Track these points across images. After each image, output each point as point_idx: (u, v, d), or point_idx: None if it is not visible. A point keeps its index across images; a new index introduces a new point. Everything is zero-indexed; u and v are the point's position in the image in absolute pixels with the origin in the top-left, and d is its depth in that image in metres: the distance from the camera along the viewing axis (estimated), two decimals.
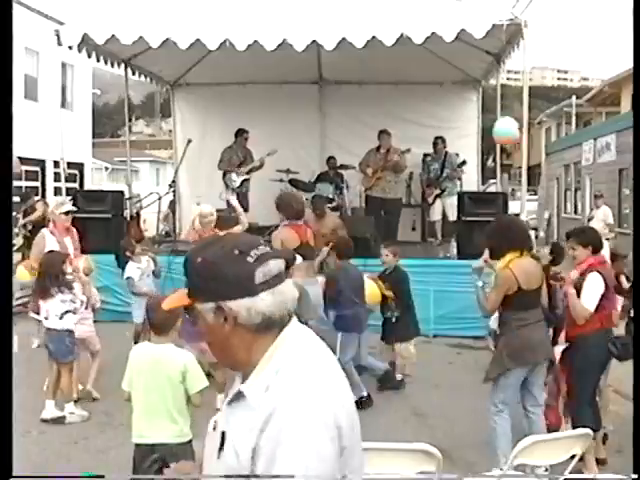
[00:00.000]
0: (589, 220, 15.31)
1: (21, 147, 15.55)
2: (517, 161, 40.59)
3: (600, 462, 4.75)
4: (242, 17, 8.32)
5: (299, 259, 5.78)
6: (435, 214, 11.02)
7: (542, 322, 4.75)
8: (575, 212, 22.98)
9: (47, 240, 6.78)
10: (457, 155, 11.30)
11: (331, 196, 11.15)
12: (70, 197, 9.76)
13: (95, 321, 6.58)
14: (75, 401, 6.04)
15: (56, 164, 16.46)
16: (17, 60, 17.26)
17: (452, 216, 10.32)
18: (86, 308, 6.26)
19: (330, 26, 8.18)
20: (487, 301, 4.74)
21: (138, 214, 10.93)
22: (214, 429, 1.64)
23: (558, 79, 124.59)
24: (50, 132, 15.13)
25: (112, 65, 10.70)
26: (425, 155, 12.20)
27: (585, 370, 4.81)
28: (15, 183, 16.26)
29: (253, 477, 1.41)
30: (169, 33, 8.30)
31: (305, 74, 12.18)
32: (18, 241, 10.18)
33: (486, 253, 4.95)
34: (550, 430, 4.75)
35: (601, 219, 14.42)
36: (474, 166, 12.26)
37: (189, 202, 11.91)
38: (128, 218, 10.43)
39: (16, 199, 11.22)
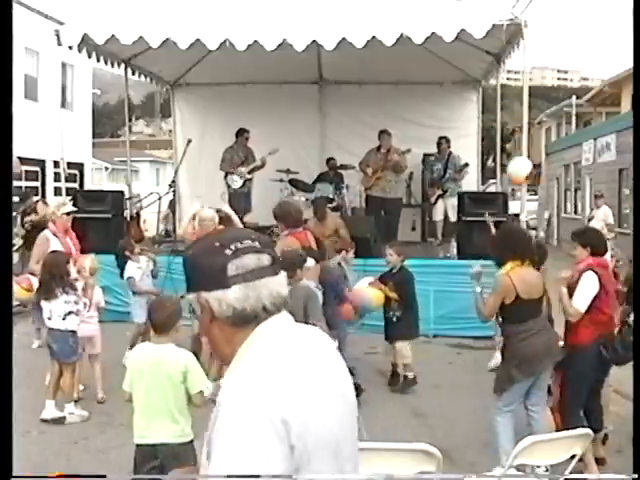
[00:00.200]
0: (589, 220, 15.31)
1: (21, 147, 15.54)
2: None
3: (600, 462, 4.75)
4: (242, 17, 8.32)
5: (310, 261, 5.80)
6: (437, 214, 11.01)
7: (546, 328, 4.75)
8: (575, 212, 22.97)
9: (51, 241, 6.78)
10: (459, 157, 11.29)
11: (331, 196, 11.15)
12: (70, 197, 9.77)
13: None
14: (76, 401, 6.04)
15: (56, 164, 16.42)
16: (17, 60, 17.25)
17: (453, 217, 10.32)
18: (89, 309, 6.25)
19: (330, 26, 8.18)
20: (485, 306, 4.75)
21: (138, 214, 10.93)
22: None
23: (558, 79, 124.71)
24: (50, 132, 15.12)
25: (112, 65, 10.69)
26: (426, 155, 12.23)
27: (577, 381, 4.80)
28: (15, 183, 16.26)
29: (253, 477, 1.40)
30: (169, 33, 8.30)
31: (305, 74, 12.18)
32: (17, 242, 10.17)
33: (476, 266, 5.03)
34: (558, 431, 4.74)
35: (601, 219, 14.42)
36: (474, 166, 12.25)
37: (189, 202, 11.90)
38: (128, 218, 10.43)
39: (15, 199, 11.21)
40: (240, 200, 10.49)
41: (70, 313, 5.80)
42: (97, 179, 32.36)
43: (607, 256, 5.42)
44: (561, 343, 4.88)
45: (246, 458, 1.39)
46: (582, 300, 4.71)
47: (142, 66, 11.43)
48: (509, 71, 23.10)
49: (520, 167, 8.75)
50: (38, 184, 21.14)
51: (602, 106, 28.57)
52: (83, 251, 7.22)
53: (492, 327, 6.60)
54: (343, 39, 8.06)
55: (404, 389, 6.66)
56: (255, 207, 10.85)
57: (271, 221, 8.90)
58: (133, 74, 11.65)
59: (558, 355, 4.76)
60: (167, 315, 3.88)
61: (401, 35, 8.00)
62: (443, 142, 11.09)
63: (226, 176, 10.76)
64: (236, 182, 10.67)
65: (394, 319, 6.64)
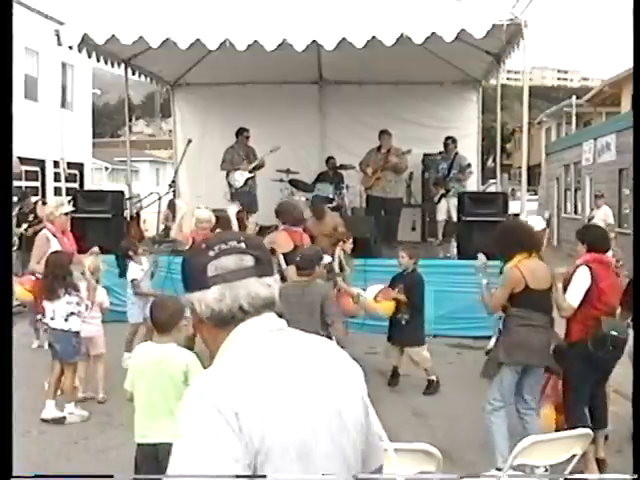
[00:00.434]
0: (589, 220, 15.31)
1: (21, 147, 15.55)
2: (517, 161, 40.63)
3: (600, 463, 4.74)
4: (242, 17, 8.32)
5: (327, 258, 5.81)
6: (440, 213, 10.99)
7: (547, 329, 4.74)
8: (575, 212, 22.97)
9: (51, 242, 6.78)
10: (465, 158, 11.28)
11: (331, 196, 11.15)
12: (70, 197, 9.77)
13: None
14: (81, 401, 6.04)
15: (56, 164, 16.46)
16: (17, 60, 17.26)
17: (455, 217, 10.32)
18: (91, 310, 6.23)
19: (330, 26, 8.18)
20: (492, 298, 4.76)
21: (138, 214, 10.93)
22: None
23: (558, 79, 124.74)
24: (50, 132, 15.12)
25: (112, 65, 10.69)
26: (426, 155, 12.25)
27: (573, 378, 4.80)
28: (15, 183, 16.26)
29: (253, 477, 1.40)
30: (169, 33, 8.30)
31: (305, 74, 12.18)
32: (14, 242, 10.16)
33: (481, 257, 5.01)
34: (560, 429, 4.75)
35: (601, 219, 14.42)
36: (474, 166, 12.23)
37: (189, 202, 11.89)
38: (128, 218, 10.43)
39: (13, 199, 11.21)
40: (243, 199, 10.48)
41: (72, 314, 5.80)
42: (97, 179, 32.36)
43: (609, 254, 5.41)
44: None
45: (198, 444, 1.39)
46: (574, 295, 4.72)
47: (142, 66, 11.43)
48: (509, 71, 23.13)
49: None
50: (38, 184, 21.14)
51: (602, 106, 28.58)
52: (80, 251, 7.20)
53: (492, 327, 6.61)
54: (343, 39, 8.06)
55: (432, 393, 6.62)
56: None
57: (271, 221, 8.93)
58: (133, 74, 11.65)
59: (548, 359, 4.75)
60: (169, 315, 3.88)
61: (401, 35, 8.00)
62: (450, 142, 11.06)
63: (227, 176, 10.75)
64: (237, 181, 10.64)
65: (403, 322, 6.57)
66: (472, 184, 12.20)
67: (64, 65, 20.27)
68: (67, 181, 11.06)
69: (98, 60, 10.08)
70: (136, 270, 7.11)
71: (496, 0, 9.74)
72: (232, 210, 8.51)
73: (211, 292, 1.57)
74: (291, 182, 11.47)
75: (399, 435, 5.23)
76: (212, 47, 8.36)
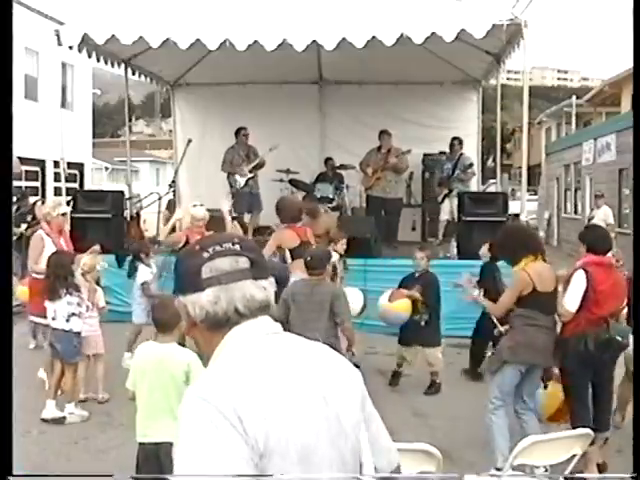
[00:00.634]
0: (589, 220, 15.31)
1: (21, 147, 15.54)
2: (517, 161, 40.61)
3: (599, 466, 4.70)
4: (242, 17, 8.32)
5: (335, 256, 5.79)
6: (443, 213, 10.98)
7: (551, 330, 4.75)
8: (575, 212, 22.96)
9: (46, 242, 6.77)
10: (469, 158, 11.28)
11: (331, 196, 11.15)
12: (70, 197, 9.77)
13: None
14: (82, 401, 6.04)
15: (56, 164, 16.45)
16: (17, 60, 17.26)
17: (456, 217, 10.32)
18: (92, 309, 6.23)
19: (330, 26, 8.18)
20: (498, 303, 4.80)
21: (138, 214, 10.93)
22: None
23: (558, 79, 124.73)
24: (50, 132, 15.12)
25: (112, 65, 10.70)
26: (426, 155, 12.25)
27: (568, 376, 4.79)
28: (15, 183, 16.24)
29: (253, 477, 1.40)
30: (169, 33, 8.30)
31: (305, 74, 12.17)
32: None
33: (466, 277, 5.12)
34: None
35: (601, 219, 14.42)
36: (474, 166, 12.26)
37: (189, 202, 11.88)
38: (128, 218, 10.43)
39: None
40: (244, 199, 10.48)
41: (73, 315, 5.79)
42: (97, 179, 32.36)
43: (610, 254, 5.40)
44: None
45: (206, 446, 1.37)
46: (571, 300, 4.71)
47: (142, 66, 11.43)
48: (509, 71, 23.14)
49: None
50: (38, 184, 21.16)
51: (602, 106, 28.58)
52: (78, 252, 7.16)
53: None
54: (343, 39, 8.06)
55: (433, 393, 6.62)
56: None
57: (271, 221, 8.93)
58: (133, 74, 11.65)
59: (551, 359, 4.77)
60: (170, 314, 3.88)
61: (401, 35, 8.00)
62: (456, 143, 11.06)
63: (228, 176, 10.75)
64: (238, 182, 10.65)
65: (422, 323, 6.51)
66: (472, 184, 12.19)
67: (64, 65, 20.27)
68: (67, 181, 11.06)
69: (98, 60, 10.08)
70: (146, 272, 7.10)
71: (496, 0, 9.76)
72: (225, 207, 8.51)
73: (205, 294, 1.54)
74: (291, 182, 11.47)
75: (399, 435, 5.23)
76: (212, 47, 8.37)
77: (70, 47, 8.99)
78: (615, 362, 4.81)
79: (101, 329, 6.45)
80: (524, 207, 9.06)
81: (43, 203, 11.30)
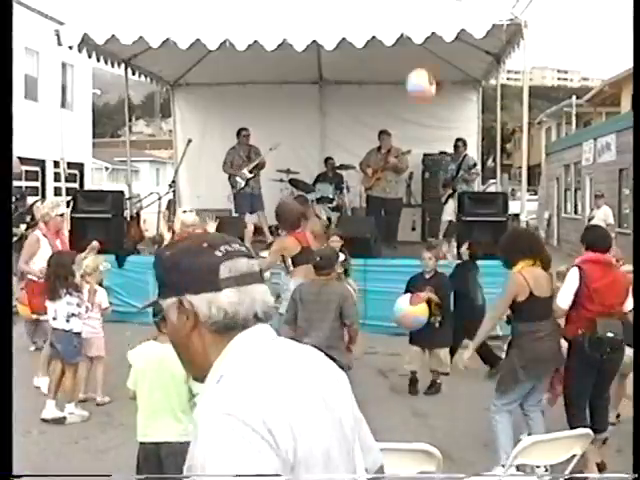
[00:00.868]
0: (589, 220, 15.31)
1: (21, 147, 15.54)
2: (517, 161, 40.63)
3: (598, 465, 4.70)
4: (242, 17, 8.33)
5: (341, 257, 5.79)
6: (447, 214, 10.96)
7: (553, 332, 4.75)
8: (575, 212, 22.97)
9: (42, 243, 6.75)
10: (473, 159, 11.27)
11: (331, 196, 11.15)
12: (70, 197, 9.76)
13: None
14: (82, 401, 6.04)
15: (56, 164, 16.45)
16: (17, 60, 17.26)
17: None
18: (91, 310, 6.21)
19: (330, 26, 8.19)
20: (494, 308, 4.80)
21: (138, 214, 10.93)
22: None
23: (558, 79, 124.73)
24: (50, 132, 15.13)
25: (112, 65, 10.69)
26: (426, 155, 12.26)
27: (569, 376, 4.80)
28: (15, 183, 16.25)
29: (253, 476, 1.39)
30: (169, 33, 8.30)
31: (305, 74, 12.17)
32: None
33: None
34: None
35: (601, 219, 14.42)
36: (478, 166, 12.26)
37: (190, 202, 11.88)
38: (128, 218, 10.43)
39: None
40: (245, 200, 10.48)
41: (72, 315, 5.79)
42: (97, 179, 32.38)
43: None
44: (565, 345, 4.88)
45: (240, 463, 1.29)
46: (563, 297, 4.74)
47: (142, 66, 11.43)
48: (509, 71, 23.08)
49: (419, 79, 7.91)
50: (38, 184, 21.17)
51: (602, 106, 28.59)
52: (82, 251, 7.17)
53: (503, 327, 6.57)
54: (343, 39, 8.06)
55: (433, 393, 6.62)
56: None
57: (270, 222, 8.92)
58: (133, 74, 11.64)
59: (562, 361, 4.79)
60: None
61: (401, 35, 8.00)
62: (460, 144, 11.04)
63: (229, 177, 10.75)
64: (238, 182, 10.65)
65: (437, 324, 6.48)
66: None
67: (64, 65, 20.27)
68: (67, 181, 11.04)
69: (98, 60, 10.07)
70: None
71: (496, 0, 9.76)
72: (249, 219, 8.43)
73: (224, 294, 1.46)
74: (291, 182, 11.47)
75: (399, 435, 5.24)
76: (212, 47, 8.37)
77: (70, 47, 8.99)
78: (613, 360, 4.78)
79: (103, 331, 6.40)
80: (524, 207, 9.06)
81: (42, 203, 11.32)
